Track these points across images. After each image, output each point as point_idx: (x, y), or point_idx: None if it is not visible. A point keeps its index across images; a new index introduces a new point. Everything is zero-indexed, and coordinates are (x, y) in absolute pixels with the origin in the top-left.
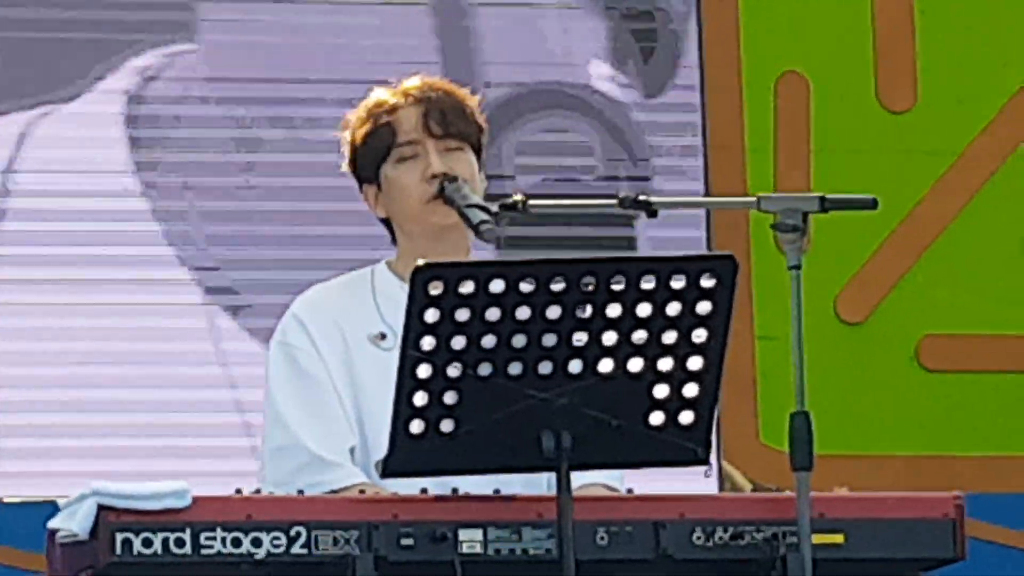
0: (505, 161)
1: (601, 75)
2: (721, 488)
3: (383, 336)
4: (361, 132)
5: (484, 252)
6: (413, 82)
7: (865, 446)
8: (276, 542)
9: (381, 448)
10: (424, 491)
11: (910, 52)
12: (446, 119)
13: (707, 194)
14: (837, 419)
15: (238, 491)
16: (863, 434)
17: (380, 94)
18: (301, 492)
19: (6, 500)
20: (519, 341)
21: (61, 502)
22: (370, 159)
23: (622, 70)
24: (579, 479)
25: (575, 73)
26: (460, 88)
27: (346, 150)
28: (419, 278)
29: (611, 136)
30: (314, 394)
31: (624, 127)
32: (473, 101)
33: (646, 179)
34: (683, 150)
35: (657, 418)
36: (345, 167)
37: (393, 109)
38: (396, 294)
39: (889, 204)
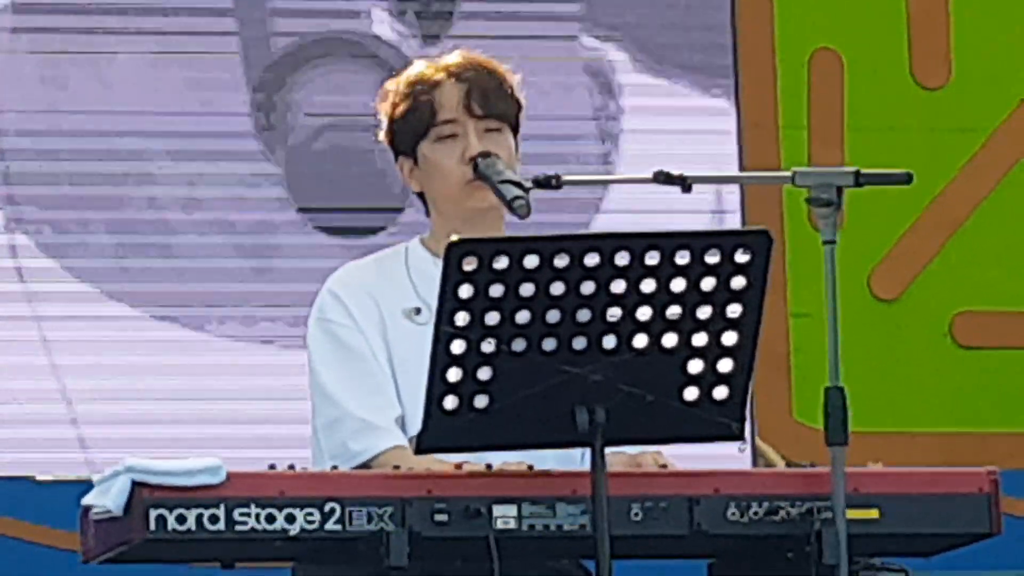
0: (294, 108)
1: (383, 22)
2: (754, 465)
3: (418, 311)
4: (401, 107)
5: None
6: (454, 58)
7: (898, 423)
8: (310, 518)
9: (418, 421)
10: (459, 466)
11: (944, 28)
12: (488, 100)
13: (741, 170)
14: (870, 396)
15: (271, 467)
16: (896, 411)
17: (421, 68)
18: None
19: (39, 478)
20: (553, 316)
21: (95, 478)
22: (408, 135)
23: (401, 19)
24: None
25: (360, 23)
26: (501, 66)
27: (384, 122)
28: (453, 253)
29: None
30: (357, 366)
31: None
32: (513, 79)
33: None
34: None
35: (691, 393)
36: (382, 137)
37: (434, 85)
38: (430, 270)
39: (923, 181)
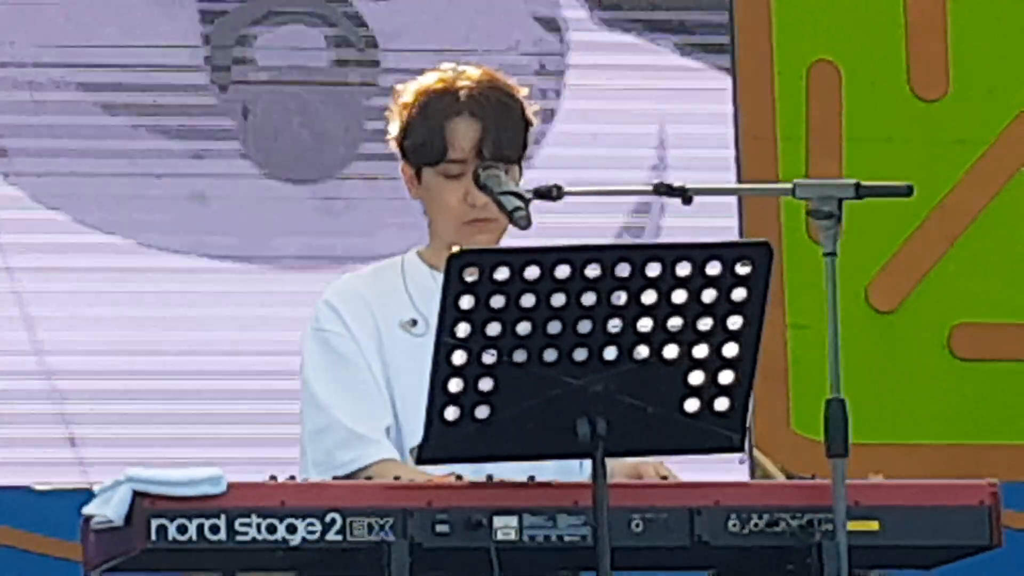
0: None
1: None
2: (752, 476)
3: (414, 322)
4: (413, 131)
5: None
6: (473, 82)
7: (896, 435)
8: (311, 528)
9: (414, 434)
10: (459, 477)
11: (942, 40)
12: (500, 145)
13: (740, 182)
14: (869, 407)
15: (272, 477)
16: (894, 423)
17: (436, 84)
18: (348, 474)
19: (38, 488)
20: (554, 327)
21: (96, 488)
22: (416, 157)
23: None
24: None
25: None
26: (515, 90)
27: (394, 126)
28: (454, 264)
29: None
30: (349, 374)
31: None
32: (525, 103)
33: (376, 63)
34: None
35: (692, 405)
36: (391, 139)
37: (450, 116)
38: (427, 282)
39: (921, 192)
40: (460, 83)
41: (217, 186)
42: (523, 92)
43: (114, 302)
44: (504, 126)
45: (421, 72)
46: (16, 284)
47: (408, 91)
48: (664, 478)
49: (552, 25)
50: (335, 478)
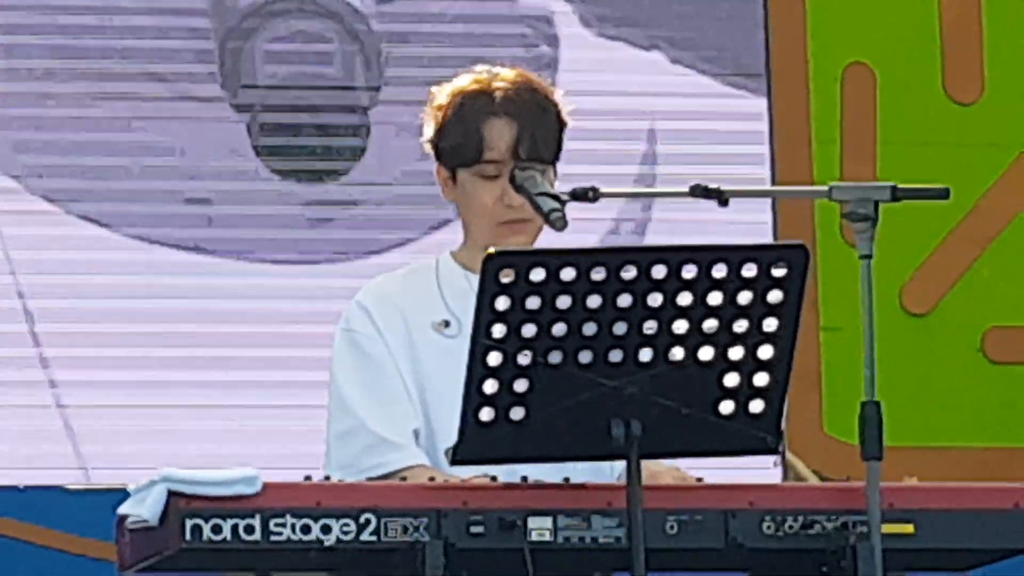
0: (257, 68)
1: None
2: (785, 478)
3: (447, 324)
4: (449, 132)
5: None
6: (508, 79)
7: (929, 438)
8: (345, 529)
9: (446, 435)
10: (493, 478)
11: (977, 43)
12: (536, 146)
13: (775, 185)
14: (902, 410)
15: (307, 477)
16: (928, 426)
17: (473, 85)
18: (371, 479)
19: (72, 488)
20: (589, 329)
21: (131, 488)
22: (451, 158)
23: None
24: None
25: None
26: (551, 94)
27: (430, 129)
28: (490, 266)
29: (350, 41)
30: (377, 377)
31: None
32: (559, 103)
33: (377, 89)
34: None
35: (727, 407)
36: (426, 142)
37: (486, 117)
38: (460, 283)
39: (955, 196)
40: (496, 84)
41: (221, 184)
42: (558, 93)
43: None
44: (540, 126)
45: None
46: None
47: (443, 93)
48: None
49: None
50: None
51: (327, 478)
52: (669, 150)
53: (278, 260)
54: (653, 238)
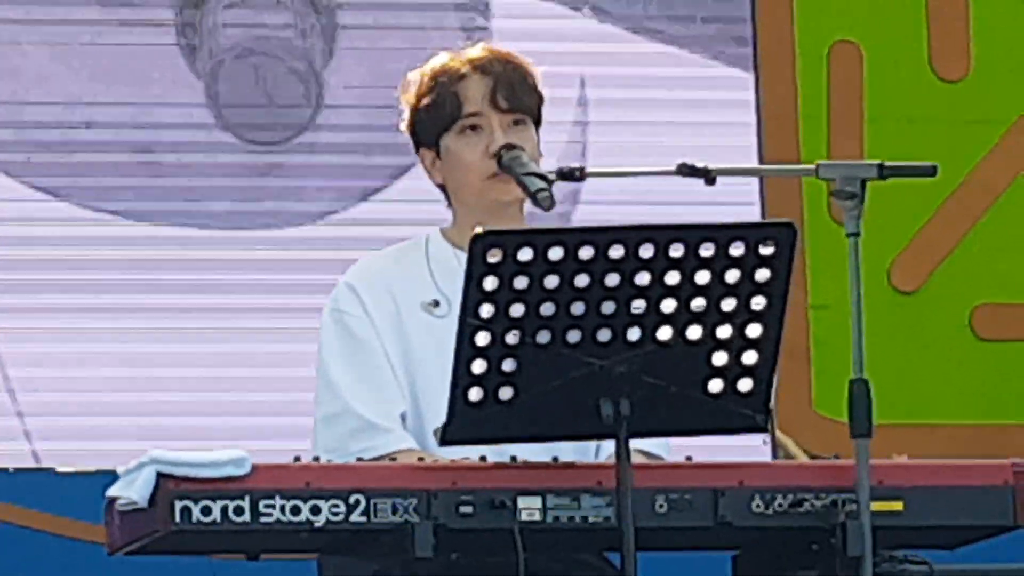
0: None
1: None
2: (775, 457)
3: (436, 303)
4: (425, 99)
5: None
6: (478, 51)
7: (918, 415)
8: (335, 510)
9: (434, 415)
10: (483, 458)
11: (963, 20)
12: (513, 93)
13: (761, 163)
14: (890, 388)
15: (297, 459)
16: (916, 403)
17: (444, 59)
18: (360, 459)
19: (61, 470)
20: (578, 308)
21: (120, 470)
22: (432, 126)
23: None
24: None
25: None
26: (523, 59)
27: (406, 112)
28: (478, 245)
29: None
30: (365, 360)
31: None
32: (536, 72)
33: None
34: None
35: (716, 385)
36: (403, 128)
37: (460, 78)
38: (450, 262)
39: (943, 173)
40: (464, 55)
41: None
42: (538, 71)
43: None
44: (514, 79)
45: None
46: None
47: (415, 76)
48: None
49: None
50: None
51: (316, 459)
52: (656, 117)
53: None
54: (638, 216)
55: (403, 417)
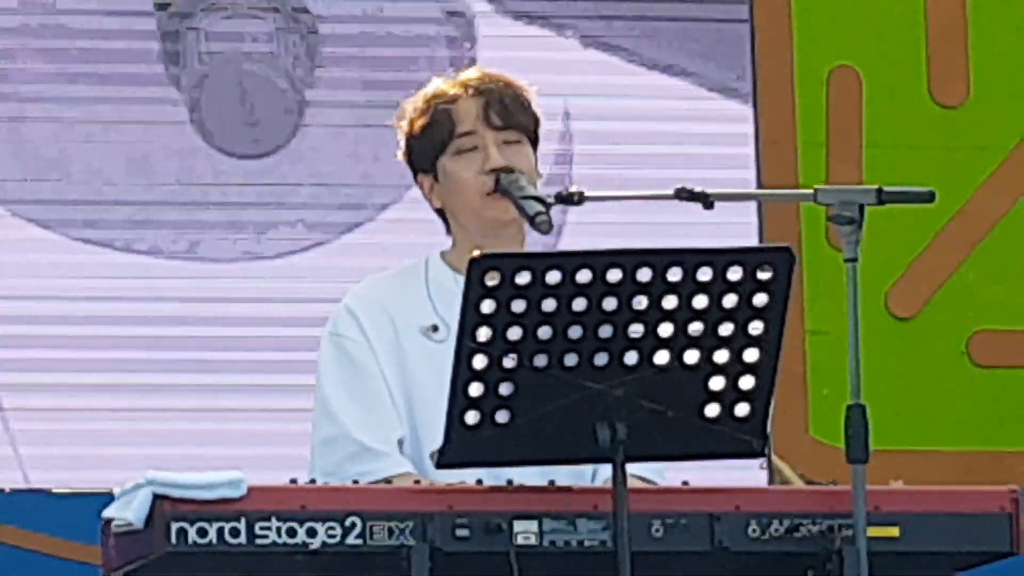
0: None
1: None
2: (771, 482)
3: (435, 328)
4: (419, 123)
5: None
6: (471, 73)
7: (915, 441)
8: (331, 532)
9: (432, 440)
10: (479, 482)
11: (962, 47)
12: (507, 111)
13: (760, 187)
14: (887, 414)
15: (293, 481)
16: (913, 429)
17: (438, 84)
18: (356, 482)
19: (57, 491)
20: (575, 332)
21: (116, 491)
22: (427, 150)
23: None
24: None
25: None
26: (518, 80)
27: (402, 139)
28: (475, 269)
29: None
30: (363, 385)
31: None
32: (531, 93)
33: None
34: (733, 142)
35: (713, 410)
36: (400, 156)
37: (453, 100)
38: (449, 286)
39: (941, 199)
40: (458, 79)
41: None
42: (531, 90)
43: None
44: (508, 97)
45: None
46: None
47: (408, 104)
48: None
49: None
50: None
51: (312, 482)
52: (655, 151)
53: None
54: (636, 241)
55: (400, 442)
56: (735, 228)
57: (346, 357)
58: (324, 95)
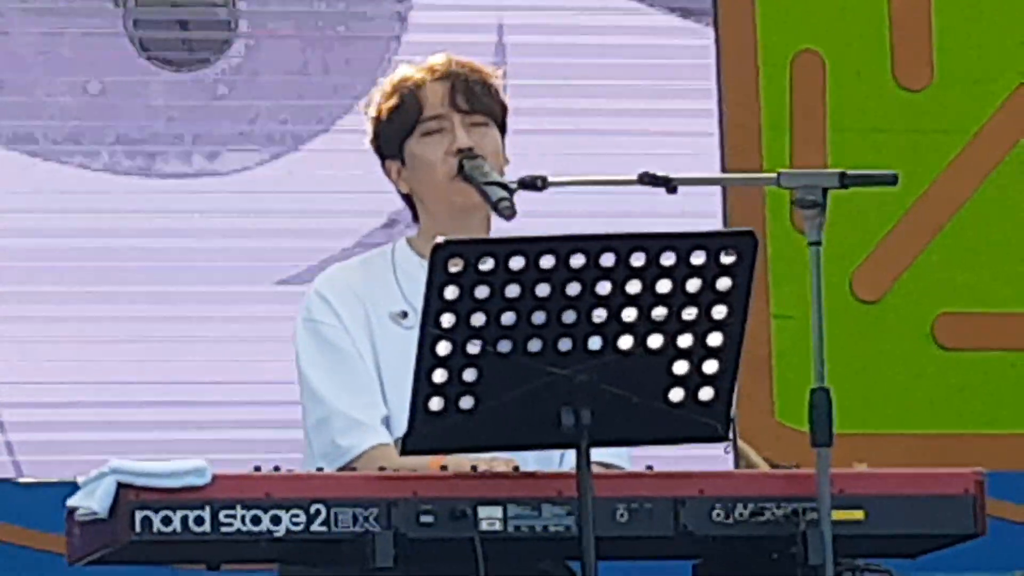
0: None
1: None
2: (736, 466)
3: (404, 314)
4: (386, 106)
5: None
6: (438, 59)
7: (880, 424)
8: (295, 519)
9: (402, 425)
10: (444, 468)
11: (926, 30)
12: (473, 94)
13: (723, 172)
14: (853, 397)
15: (257, 468)
16: (878, 412)
17: (405, 70)
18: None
19: (22, 481)
20: (539, 318)
21: (80, 480)
22: (395, 134)
23: None
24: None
25: None
26: (484, 65)
27: (369, 125)
28: (439, 255)
29: None
30: (344, 366)
31: None
32: (497, 78)
33: None
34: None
35: (677, 395)
36: (368, 142)
37: (419, 84)
38: (416, 272)
39: (905, 182)
40: (425, 64)
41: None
42: (499, 77)
43: None
44: (475, 81)
45: None
46: None
47: (376, 89)
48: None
49: None
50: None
51: (276, 469)
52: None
53: None
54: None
55: (386, 420)
56: (698, 209)
57: (324, 341)
58: None
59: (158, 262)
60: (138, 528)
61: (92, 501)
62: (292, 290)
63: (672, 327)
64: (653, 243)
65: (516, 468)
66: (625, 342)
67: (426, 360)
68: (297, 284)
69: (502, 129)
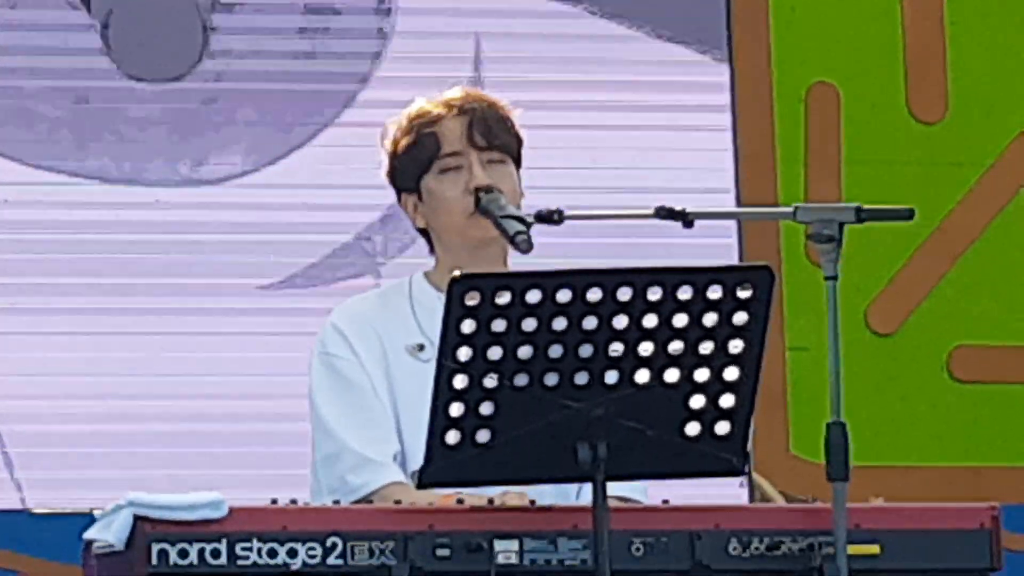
0: None
1: None
2: (751, 499)
3: (421, 347)
4: (403, 142)
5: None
6: (455, 93)
7: (895, 457)
8: (312, 552)
9: (418, 459)
10: (460, 501)
11: (941, 63)
12: (490, 131)
13: (738, 205)
14: (868, 430)
15: (273, 501)
16: (893, 445)
17: (422, 104)
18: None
19: (36, 511)
20: (555, 351)
21: (97, 512)
22: (411, 169)
23: None
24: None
25: None
26: (501, 100)
27: (385, 159)
28: (455, 289)
29: None
30: (357, 401)
31: None
32: (513, 113)
33: None
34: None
35: (693, 429)
36: (383, 176)
37: (436, 120)
38: (434, 305)
39: (920, 215)
40: (441, 98)
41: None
42: (514, 111)
43: None
44: (492, 117)
45: None
46: None
47: (391, 123)
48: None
49: None
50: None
51: (293, 502)
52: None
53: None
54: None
55: (395, 456)
56: (714, 246)
57: (338, 375)
58: None
59: (167, 278)
60: (155, 561)
61: (109, 534)
62: (293, 291)
63: (688, 361)
64: (670, 277)
65: (533, 503)
66: (642, 376)
67: (443, 393)
68: (290, 288)
69: (518, 163)
